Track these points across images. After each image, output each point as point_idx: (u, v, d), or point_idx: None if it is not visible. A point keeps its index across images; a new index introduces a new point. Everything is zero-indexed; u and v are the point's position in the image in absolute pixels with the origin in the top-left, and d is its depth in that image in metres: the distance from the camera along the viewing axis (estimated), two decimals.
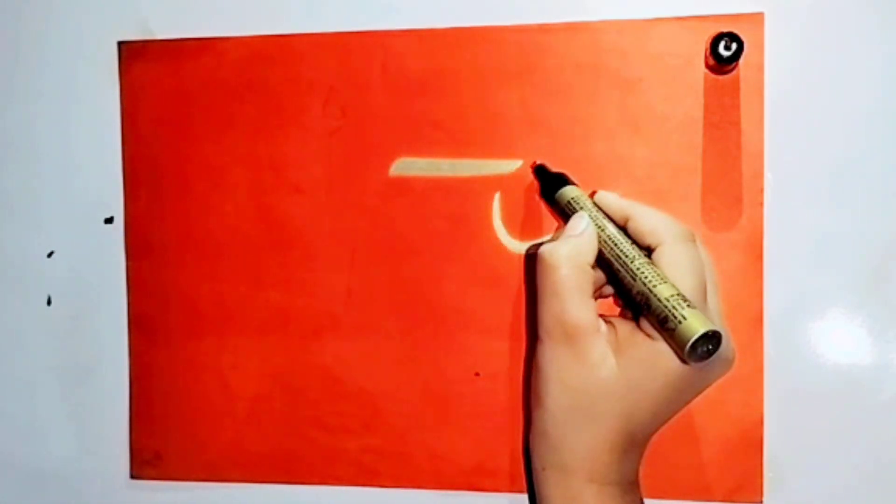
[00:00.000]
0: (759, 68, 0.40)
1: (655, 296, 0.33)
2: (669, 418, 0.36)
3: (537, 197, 0.41)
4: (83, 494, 0.45)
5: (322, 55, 0.43)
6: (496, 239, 0.42)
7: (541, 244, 0.38)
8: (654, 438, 0.39)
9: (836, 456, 0.40)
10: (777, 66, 0.40)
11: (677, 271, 0.34)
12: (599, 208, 0.38)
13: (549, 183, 0.40)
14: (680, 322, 0.32)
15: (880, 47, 0.40)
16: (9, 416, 0.46)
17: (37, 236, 0.45)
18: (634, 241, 0.36)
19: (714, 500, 0.40)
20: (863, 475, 0.40)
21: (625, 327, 0.36)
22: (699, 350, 0.32)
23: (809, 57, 0.40)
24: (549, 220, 0.41)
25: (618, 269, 0.36)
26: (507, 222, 0.42)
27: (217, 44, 0.43)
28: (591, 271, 0.36)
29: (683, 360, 0.33)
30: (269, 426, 0.44)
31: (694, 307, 0.33)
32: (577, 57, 0.41)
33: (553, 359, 0.36)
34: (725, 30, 0.38)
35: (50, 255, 0.45)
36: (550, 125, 0.41)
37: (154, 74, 0.44)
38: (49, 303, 0.46)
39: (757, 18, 0.40)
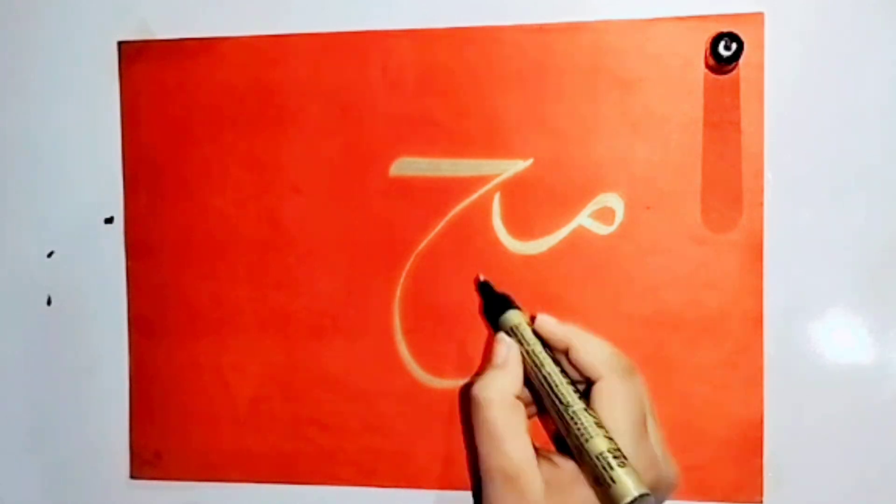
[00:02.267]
0: (759, 68, 0.40)
1: (587, 451, 0.33)
2: None
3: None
4: (83, 494, 0.45)
5: (322, 55, 0.43)
6: (496, 239, 0.42)
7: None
8: None
9: (836, 456, 0.40)
10: (777, 66, 0.40)
11: (615, 409, 0.34)
12: (539, 338, 0.37)
13: (494, 304, 0.40)
14: (610, 485, 0.32)
15: (880, 47, 0.40)
16: (9, 416, 0.46)
17: (37, 236, 0.45)
18: (572, 373, 0.36)
19: (714, 500, 0.40)
20: (863, 475, 0.40)
21: (568, 468, 0.34)
22: None
23: (809, 57, 0.40)
24: (550, 220, 0.41)
25: (552, 414, 0.35)
26: (507, 222, 0.42)
27: (217, 44, 0.43)
28: (521, 405, 0.35)
29: None
30: (269, 426, 0.43)
31: (626, 465, 0.32)
32: (577, 57, 0.41)
33: (497, 499, 0.35)
34: (725, 30, 0.38)
35: (50, 255, 0.45)
36: (550, 125, 0.41)
37: (154, 74, 0.44)
38: (49, 303, 0.46)
39: (757, 18, 0.40)
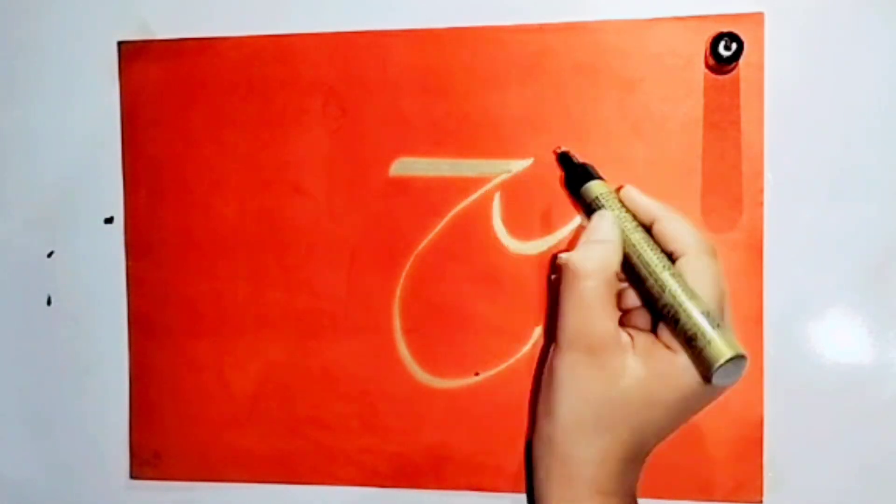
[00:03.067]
0: (759, 68, 0.40)
1: (685, 311, 0.32)
2: (677, 429, 0.36)
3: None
4: (83, 494, 0.45)
5: (322, 55, 0.43)
6: (496, 239, 0.42)
7: (560, 250, 0.37)
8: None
9: (836, 456, 0.40)
10: (777, 66, 0.40)
11: (701, 284, 0.34)
12: (625, 208, 0.37)
13: (575, 174, 0.39)
14: (709, 343, 0.31)
15: (880, 47, 0.40)
16: (9, 415, 0.46)
17: (37, 236, 0.45)
18: (659, 247, 0.36)
19: (714, 500, 0.40)
20: (863, 475, 0.40)
21: (643, 339, 0.35)
22: (723, 372, 0.32)
23: (809, 57, 0.40)
24: (550, 220, 0.41)
25: (645, 277, 0.35)
26: (507, 222, 0.42)
27: (217, 44, 0.43)
28: (616, 282, 0.35)
29: (707, 380, 0.32)
30: (269, 426, 0.43)
31: (722, 327, 0.32)
32: (577, 57, 0.41)
33: (572, 369, 0.35)
34: (725, 30, 0.38)
35: (50, 255, 0.45)
36: (550, 125, 0.41)
37: (154, 74, 0.44)
38: (49, 303, 0.46)
39: (757, 18, 0.40)
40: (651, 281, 0.34)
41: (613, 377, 0.34)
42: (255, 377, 0.44)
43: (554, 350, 0.36)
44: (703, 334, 0.32)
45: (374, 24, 0.42)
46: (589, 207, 0.38)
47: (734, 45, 0.37)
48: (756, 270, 0.40)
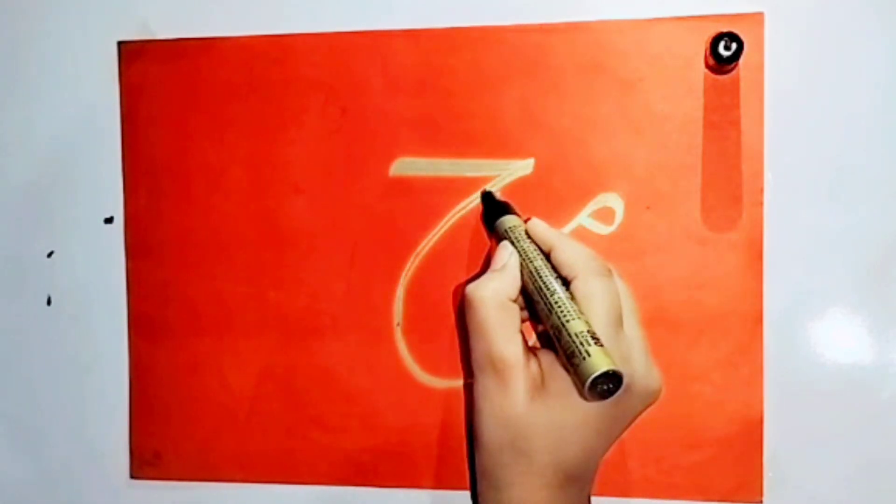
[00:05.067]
0: (759, 68, 0.40)
1: (567, 330, 0.33)
2: (602, 453, 0.36)
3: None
4: (83, 494, 0.45)
5: (322, 55, 0.43)
6: None
7: (471, 280, 0.38)
8: (652, 440, 0.39)
9: (836, 455, 0.40)
10: (777, 66, 0.40)
11: (590, 303, 0.35)
12: (530, 239, 0.38)
13: (493, 210, 0.40)
14: (584, 359, 0.32)
15: (880, 47, 0.40)
16: (9, 416, 0.46)
17: (37, 236, 0.45)
18: (557, 273, 0.36)
19: (714, 500, 0.40)
20: (863, 475, 0.40)
21: (547, 359, 0.36)
22: (598, 388, 0.32)
23: (809, 57, 0.40)
24: (550, 220, 0.41)
25: (537, 301, 0.36)
26: None
27: (217, 44, 0.43)
28: (516, 306, 0.37)
29: (584, 397, 0.33)
30: (269, 426, 0.43)
31: (601, 346, 0.33)
32: (578, 57, 0.41)
33: (484, 393, 0.36)
34: (725, 30, 0.38)
35: (50, 255, 0.45)
36: (550, 125, 0.41)
37: (154, 74, 0.44)
38: (49, 303, 0.46)
39: (757, 18, 0.40)
40: (542, 304, 0.35)
41: (519, 399, 0.35)
42: (255, 377, 0.44)
43: (472, 379, 0.37)
44: (579, 351, 0.32)
45: (374, 24, 0.42)
46: (500, 240, 0.39)
47: (734, 45, 0.37)
48: (756, 270, 0.40)
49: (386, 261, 0.43)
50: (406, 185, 0.42)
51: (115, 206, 0.45)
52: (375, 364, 0.43)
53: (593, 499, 0.38)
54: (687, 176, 0.40)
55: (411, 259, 0.42)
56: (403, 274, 0.42)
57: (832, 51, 0.40)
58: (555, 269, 0.36)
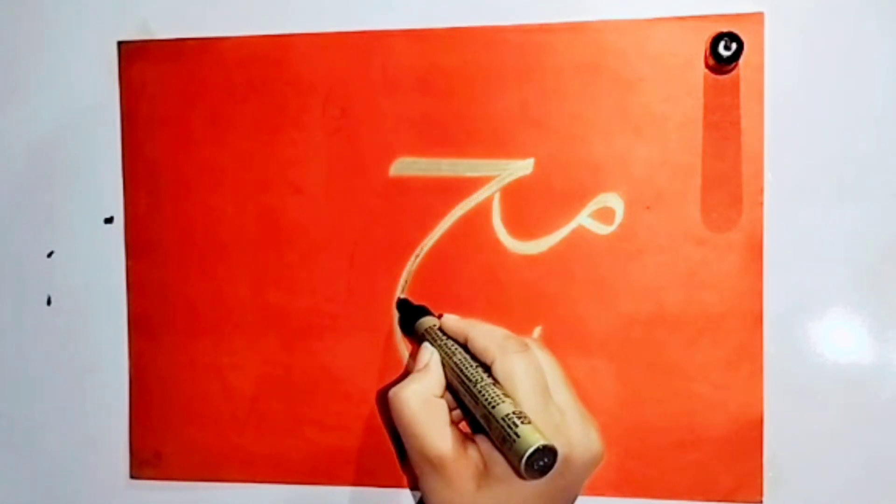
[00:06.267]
0: (759, 68, 0.40)
1: (493, 416, 0.33)
2: None
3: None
4: (83, 494, 0.45)
5: (322, 55, 0.43)
6: (496, 239, 0.42)
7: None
8: (652, 440, 0.39)
9: (836, 456, 0.40)
10: (777, 66, 0.40)
11: (512, 382, 0.35)
12: (447, 335, 0.38)
13: (410, 315, 0.41)
14: (514, 440, 0.32)
15: (880, 47, 0.40)
16: (9, 415, 0.46)
17: (37, 236, 0.45)
18: (478, 362, 0.36)
19: (714, 500, 0.40)
20: (863, 474, 0.40)
21: (485, 445, 0.35)
22: (535, 465, 0.32)
23: (809, 57, 0.40)
24: (550, 220, 0.41)
25: (463, 395, 0.36)
26: (507, 222, 0.42)
27: (217, 44, 0.43)
28: (442, 401, 0.37)
29: (523, 477, 0.33)
30: (268, 426, 0.43)
31: (529, 423, 0.32)
32: (577, 57, 0.41)
33: (429, 491, 0.36)
34: (725, 30, 0.38)
35: (50, 255, 0.45)
36: (550, 125, 0.41)
37: (154, 74, 0.44)
38: (49, 303, 0.46)
39: (757, 18, 0.40)
40: (468, 397, 0.35)
41: (464, 490, 0.35)
42: (255, 377, 0.44)
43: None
44: (508, 435, 0.32)
45: (374, 24, 0.42)
46: (421, 341, 0.39)
47: (734, 45, 0.37)
48: (756, 270, 0.40)
49: (386, 261, 0.43)
50: (406, 185, 0.42)
51: (115, 206, 0.45)
52: (375, 364, 0.43)
53: (595, 499, 0.38)
54: (687, 176, 0.40)
55: (411, 259, 0.42)
56: (403, 274, 0.42)
57: (832, 51, 0.40)
58: (474, 358, 0.37)
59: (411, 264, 0.42)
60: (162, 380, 0.44)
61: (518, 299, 0.42)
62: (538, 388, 0.35)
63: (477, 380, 0.35)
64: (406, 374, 0.41)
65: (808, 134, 0.40)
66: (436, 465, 0.35)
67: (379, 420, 0.43)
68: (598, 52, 0.41)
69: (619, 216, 0.41)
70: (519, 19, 0.41)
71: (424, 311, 0.41)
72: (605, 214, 0.41)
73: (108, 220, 0.45)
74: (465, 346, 0.38)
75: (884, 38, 0.40)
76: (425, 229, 0.42)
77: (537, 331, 0.41)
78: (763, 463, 0.40)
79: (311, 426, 0.43)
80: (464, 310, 0.42)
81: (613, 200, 0.41)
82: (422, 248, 0.42)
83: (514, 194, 0.42)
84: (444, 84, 0.42)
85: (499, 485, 0.34)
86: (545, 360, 0.37)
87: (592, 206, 0.41)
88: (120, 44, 0.44)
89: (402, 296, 0.42)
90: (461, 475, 0.35)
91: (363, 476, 0.43)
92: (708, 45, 0.38)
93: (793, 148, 0.40)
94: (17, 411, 0.46)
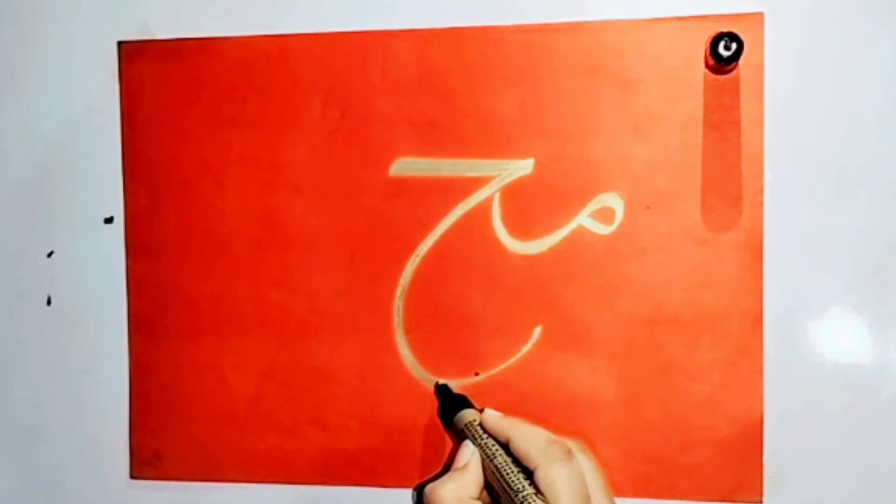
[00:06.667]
0: (759, 68, 0.40)
1: None
2: None
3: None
4: (83, 494, 0.45)
5: (322, 55, 0.43)
6: (496, 239, 0.42)
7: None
8: (652, 440, 0.39)
9: (836, 455, 0.40)
10: (777, 66, 0.40)
11: (554, 491, 0.34)
12: (489, 433, 0.38)
13: (450, 404, 0.41)
14: None
15: (880, 47, 0.40)
16: (9, 415, 0.46)
17: (37, 236, 0.45)
18: (519, 464, 0.36)
19: (714, 500, 0.40)
20: (863, 475, 0.40)
21: None
22: None
23: (809, 57, 0.40)
24: (550, 220, 0.41)
25: (504, 501, 0.36)
26: (507, 222, 0.42)
27: (217, 44, 0.43)
28: (478, 503, 0.36)
29: None
30: (268, 426, 0.43)
31: None
32: (577, 57, 0.41)
33: None
34: (725, 30, 0.38)
35: (50, 255, 0.45)
36: (550, 125, 0.41)
37: (154, 74, 0.44)
38: (49, 303, 0.46)
39: (757, 18, 0.40)
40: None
41: None
42: (255, 377, 0.44)
43: None
44: None
45: (374, 24, 0.42)
46: (461, 437, 0.39)
47: (734, 45, 0.37)
48: (756, 270, 0.40)
49: (386, 261, 0.43)
50: (406, 185, 0.42)
51: (115, 206, 0.45)
52: (375, 364, 0.43)
53: None
54: (687, 176, 0.40)
55: (411, 259, 0.42)
56: (403, 274, 0.42)
57: (832, 51, 0.40)
58: (515, 461, 0.36)
59: (411, 264, 0.42)
60: (162, 380, 0.44)
61: (518, 299, 0.42)
62: (580, 500, 0.35)
63: (519, 489, 0.35)
64: (446, 469, 0.41)
65: (808, 134, 0.40)
66: None
67: (379, 420, 0.43)
68: (598, 52, 0.41)
69: (619, 216, 0.41)
70: (519, 19, 0.41)
71: (464, 402, 0.40)
72: (605, 214, 0.41)
73: (108, 220, 0.45)
74: (506, 447, 0.37)
75: (884, 38, 0.40)
76: (425, 229, 0.42)
77: (538, 331, 0.41)
78: (763, 463, 0.40)
79: (311, 426, 0.43)
80: (464, 309, 0.42)
81: (613, 200, 0.41)
82: (422, 248, 0.42)
83: (514, 194, 0.42)
84: (444, 84, 0.42)
85: None
86: (587, 468, 0.37)
87: (592, 206, 0.41)
88: (120, 44, 0.44)
89: (442, 381, 0.42)
90: None
91: (363, 476, 0.43)
92: (708, 45, 0.38)
93: (793, 148, 0.40)
94: (17, 411, 0.46)
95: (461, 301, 0.42)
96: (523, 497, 0.34)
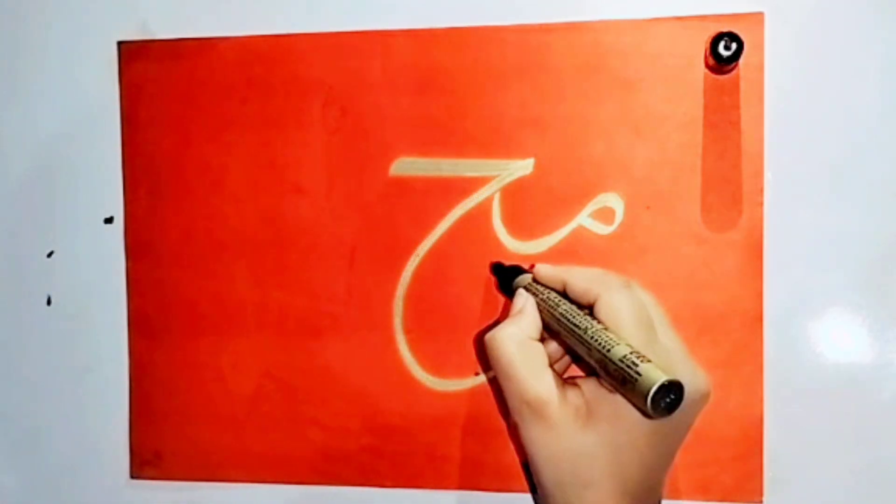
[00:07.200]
0: (759, 68, 0.40)
1: (610, 360, 0.33)
2: (666, 466, 0.35)
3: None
4: (83, 494, 0.45)
5: (322, 55, 0.43)
6: (496, 239, 0.42)
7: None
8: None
9: (836, 456, 0.40)
10: (777, 66, 0.40)
11: (617, 318, 0.34)
12: (549, 287, 0.38)
13: (506, 276, 0.40)
14: (636, 379, 0.31)
15: (880, 47, 0.40)
16: (9, 415, 0.46)
17: (37, 236, 0.45)
18: (580, 306, 0.36)
19: (714, 500, 0.40)
20: (863, 475, 0.40)
21: (589, 386, 0.35)
22: (662, 403, 0.31)
23: (809, 57, 0.40)
24: (550, 220, 0.41)
25: (574, 344, 0.35)
26: (508, 222, 0.42)
27: (217, 44, 0.43)
28: (539, 344, 0.36)
29: (649, 416, 0.32)
30: (268, 426, 0.43)
31: (648, 361, 0.32)
32: (578, 57, 0.41)
33: (530, 436, 0.35)
34: (725, 30, 0.38)
35: (50, 255, 0.45)
36: (550, 125, 0.41)
37: (154, 74, 0.44)
38: (49, 303, 0.46)
39: (757, 18, 0.40)
40: (580, 346, 0.35)
41: (566, 433, 0.34)
42: (255, 377, 0.44)
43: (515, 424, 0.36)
44: (629, 375, 0.32)
45: (374, 24, 0.42)
46: None
47: (734, 45, 0.37)
48: (756, 270, 0.40)
49: (386, 261, 0.43)
50: (406, 185, 0.42)
51: (115, 206, 0.45)
52: (375, 364, 0.43)
53: None
54: (687, 176, 0.40)
55: (411, 259, 0.42)
56: (403, 274, 0.42)
57: (832, 51, 0.40)
58: (575, 302, 0.36)
59: (411, 264, 0.42)
60: (162, 380, 0.44)
61: None
62: (643, 326, 0.34)
63: (587, 327, 0.34)
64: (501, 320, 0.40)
65: (808, 134, 0.40)
66: (535, 407, 0.34)
67: (379, 420, 0.43)
68: (598, 52, 0.41)
69: (619, 216, 0.41)
70: (519, 19, 0.41)
71: (519, 270, 0.40)
72: (605, 214, 0.41)
73: (108, 220, 0.45)
74: (564, 294, 0.37)
75: (883, 38, 0.40)
76: (425, 229, 0.42)
77: None
78: (763, 463, 0.40)
79: (311, 426, 0.43)
80: (464, 309, 0.42)
81: (613, 200, 0.41)
82: (422, 248, 0.42)
83: (514, 194, 0.42)
84: (444, 84, 0.42)
85: (604, 425, 0.34)
86: (647, 300, 0.36)
87: (592, 206, 0.41)
88: (120, 44, 0.44)
89: (495, 260, 0.41)
90: (562, 417, 0.34)
91: (363, 476, 0.43)
92: (708, 45, 0.38)
93: (793, 148, 0.40)
94: (17, 411, 0.46)
95: (461, 301, 0.42)
96: (593, 333, 0.34)
